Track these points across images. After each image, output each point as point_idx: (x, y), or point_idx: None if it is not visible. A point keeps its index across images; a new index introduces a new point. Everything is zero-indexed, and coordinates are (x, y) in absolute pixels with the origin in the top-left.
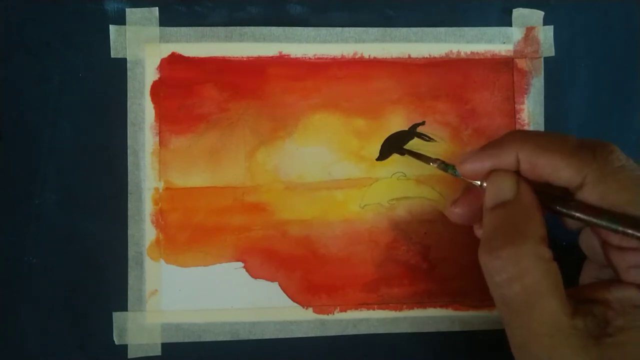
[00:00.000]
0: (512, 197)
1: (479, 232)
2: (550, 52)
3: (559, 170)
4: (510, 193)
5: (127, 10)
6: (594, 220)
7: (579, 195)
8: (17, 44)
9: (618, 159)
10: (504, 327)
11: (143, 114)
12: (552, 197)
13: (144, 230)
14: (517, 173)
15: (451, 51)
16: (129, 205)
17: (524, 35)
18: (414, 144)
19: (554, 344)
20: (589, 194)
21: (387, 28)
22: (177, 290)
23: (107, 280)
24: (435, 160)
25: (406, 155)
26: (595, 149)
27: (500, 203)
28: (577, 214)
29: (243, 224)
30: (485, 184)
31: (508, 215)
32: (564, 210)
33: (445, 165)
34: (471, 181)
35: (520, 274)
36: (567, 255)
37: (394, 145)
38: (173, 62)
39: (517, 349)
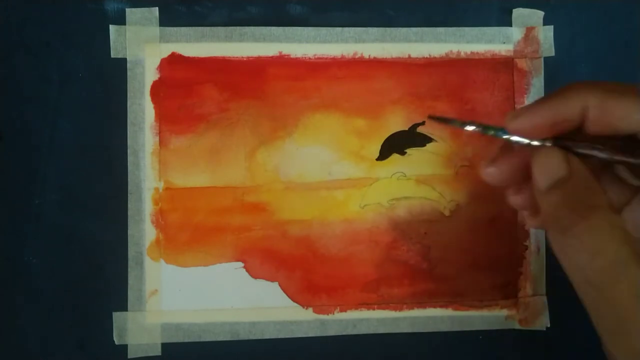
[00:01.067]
0: (566, 173)
1: (512, 198)
2: (550, 52)
3: (632, 113)
4: (564, 169)
5: (127, 10)
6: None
7: None
8: (17, 44)
9: None
10: (591, 314)
11: (143, 114)
12: (617, 147)
13: (144, 230)
14: (565, 148)
15: (451, 51)
16: (129, 205)
17: (524, 35)
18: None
19: None
20: None
21: (387, 28)
22: (177, 290)
23: (107, 280)
24: (470, 123)
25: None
26: None
27: (555, 182)
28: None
29: (243, 224)
30: (534, 143)
31: (569, 192)
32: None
33: (483, 128)
34: (519, 140)
35: (601, 247)
36: None
37: (394, 145)
38: (173, 62)
39: (608, 334)
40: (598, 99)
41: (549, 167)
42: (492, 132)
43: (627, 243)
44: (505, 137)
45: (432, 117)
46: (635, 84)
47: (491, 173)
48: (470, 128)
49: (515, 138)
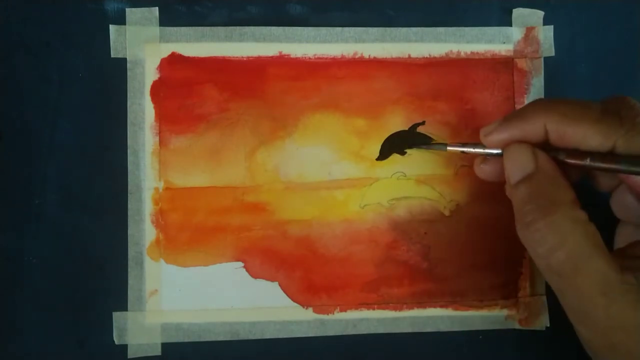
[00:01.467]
0: (533, 169)
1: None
2: (550, 52)
3: (587, 138)
4: (530, 165)
5: (127, 10)
6: (633, 168)
7: None
8: (17, 44)
9: None
10: (557, 295)
11: (143, 114)
12: (585, 153)
13: (144, 230)
14: (531, 144)
15: (451, 51)
16: (129, 205)
17: (524, 35)
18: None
19: (609, 302)
20: None
21: (387, 28)
22: (177, 290)
23: (107, 280)
24: (450, 145)
25: (413, 150)
26: (620, 113)
27: (522, 177)
28: (615, 166)
29: (243, 224)
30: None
31: (534, 186)
32: (601, 165)
33: (462, 145)
34: (490, 151)
35: (561, 241)
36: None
37: (394, 145)
38: (173, 62)
39: (573, 314)
40: (555, 122)
41: (518, 163)
42: (470, 149)
43: (588, 236)
44: (483, 151)
45: (413, 147)
46: (593, 102)
47: (483, 170)
48: (451, 148)
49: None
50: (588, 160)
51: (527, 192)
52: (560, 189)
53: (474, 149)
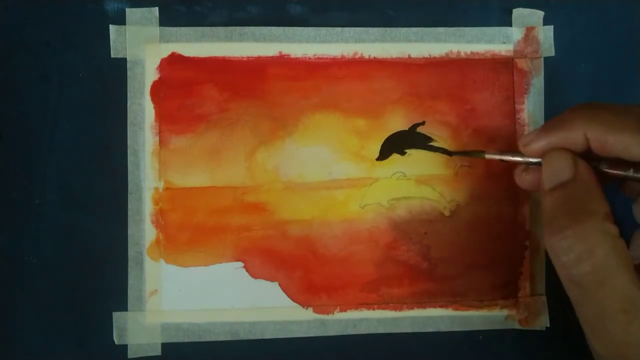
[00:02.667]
0: (570, 176)
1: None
2: (550, 52)
3: (630, 147)
4: (568, 173)
5: (127, 10)
6: None
7: None
8: (17, 44)
9: None
10: (574, 307)
11: (143, 114)
12: (627, 163)
13: (144, 230)
14: (572, 152)
15: (451, 51)
16: (129, 205)
17: (524, 35)
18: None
19: (630, 319)
20: None
21: (387, 28)
22: (177, 290)
23: (107, 280)
24: (489, 153)
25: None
26: None
27: (559, 184)
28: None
29: (243, 224)
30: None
31: (569, 194)
32: (621, 173)
33: (501, 153)
34: (530, 160)
35: (588, 251)
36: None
37: (394, 145)
38: (173, 62)
39: (590, 328)
40: (596, 131)
41: (556, 169)
42: (509, 157)
43: (617, 251)
44: (523, 159)
45: (455, 153)
46: (636, 109)
47: (525, 179)
48: (489, 156)
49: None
50: (631, 171)
51: (561, 198)
52: (595, 199)
53: (512, 157)
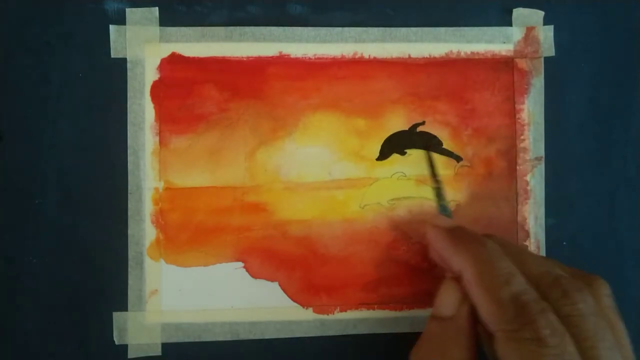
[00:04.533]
0: (450, 314)
1: None
2: (550, 52)
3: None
4: (450, 310)
5: (127, 10)
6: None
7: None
8: (17, 44)
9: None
10: None
11: (143, 114)
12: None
13: (144, 230)
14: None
15: (451, 51)
16: (129, 205)
17: (524, 35)
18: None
19: None
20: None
21: (387, 28)
22: (177, 290)
23: (107, 280)
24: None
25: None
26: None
27: (439, 315)
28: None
29: (243, 224)
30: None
31: (440, 331)
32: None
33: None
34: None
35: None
36: None
37: (394, 145)
38: (173, 62)
39: None
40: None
41: (442, 301)
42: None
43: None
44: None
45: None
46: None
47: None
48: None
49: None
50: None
51: (432, 330)
52: (457, 348)
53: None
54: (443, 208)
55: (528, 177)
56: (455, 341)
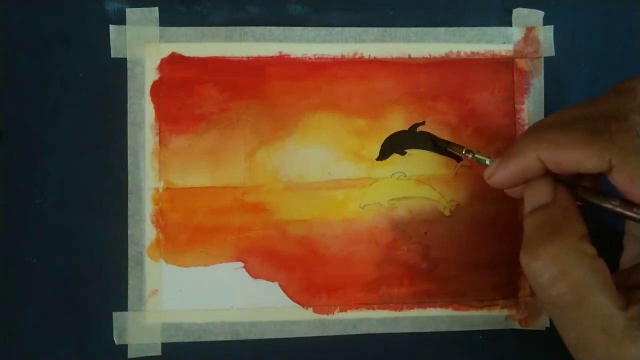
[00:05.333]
0: (549, 199)
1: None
2: (550, 52)
3: (582, 162)
4: (547, 196)
5: (127, 10)
6: (626, 212)
7: (611, 178)
8: (17, 44)
9: (638, 135)
10: (557, 328)
11: (143, 114)
12: (588, 192)
13: (144, 230)
14: (554, 176)
15: (451, 51)
16: (129, 205)
17: (524, 35)
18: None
19: (610, 340)
20: (618, 177)
21: (387, 28)
22: (177, 290)
23: (107, 280)
24: (466, 151)
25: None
26: (610, 128)
27: (538, 206)
28: (611, 207)
29: (243, 224)
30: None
31: (546, 216)
32: (598, 203)
33: (477, 157)
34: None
35: (563, 271)
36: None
37: (394, 145)
38: (173, 62)
39: (573, 349)
40: (546, 152)
41: (536, 193)
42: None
43: (594, 271)
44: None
45: (439, 140)
46: (581, 120)
47: (494, 180)
48: (468, 155)
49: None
50: (612, 204)
51: (538, 221)
52: (571, 220)
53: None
54: (484, 161)
55: None
56: (566, 216)
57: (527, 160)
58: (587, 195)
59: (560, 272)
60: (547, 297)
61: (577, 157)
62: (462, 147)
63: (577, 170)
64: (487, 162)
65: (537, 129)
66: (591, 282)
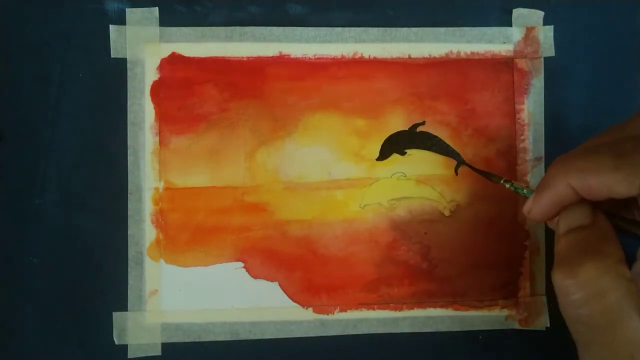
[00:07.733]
0: (587, 222)
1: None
2: (550, 52)
3: (612, 187)
4: (586, 219)
5: (127, 10)
6: None
7: None
8: (17, 44)
9: None
10: (578, 348)
11: (143, 114)
12: (627, 224)
13: (144, 230)
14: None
15: (451, 51)
16: (129, 205)
17: (524, 35)
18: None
19: None
20: None
21: (387, 28)
22: (177, 290)
23: (107, 280)
24: (504, 181)
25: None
26: (638, 151)
27: (576, 227)
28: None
29: (243, 224)
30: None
31: (584, 237)
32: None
33: (515, 187)
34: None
35: (600, 291)
36: None
37: (394, 145)
38: (173, 62)
39: None
40: (579, 180)
41: (574, 216)
42: (521, 193)
43: (630, 295)
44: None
45: (470, 167)
46: (606, 147)
47: (533, 215)
48: (506, 185)
49: None
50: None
51: (575, 240)
52: (610, 244)
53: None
54: (521, 190)
55: (528, 177)
56: (606, 239)
57: (558, 189)
58: (627, 226)
59: (597, 292)
60: (577, 315)
61: (606, 182)
62: (501, 178)
63: (608, 196)
64: (525, 191)
65: (565, 158)
66: (627, 305)
